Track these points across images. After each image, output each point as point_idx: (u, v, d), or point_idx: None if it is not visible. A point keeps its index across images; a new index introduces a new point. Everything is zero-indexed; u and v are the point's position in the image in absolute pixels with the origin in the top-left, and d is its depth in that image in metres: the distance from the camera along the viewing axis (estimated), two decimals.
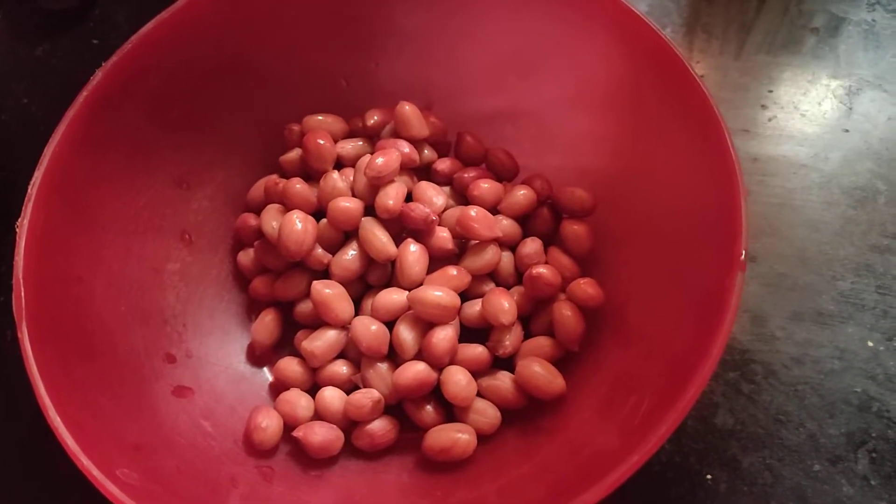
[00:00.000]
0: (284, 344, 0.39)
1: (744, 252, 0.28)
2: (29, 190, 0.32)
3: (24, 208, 0.31)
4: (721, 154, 0.30)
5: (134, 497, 0.26)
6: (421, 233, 0.37)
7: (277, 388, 0.37)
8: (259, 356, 0.39)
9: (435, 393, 0.35)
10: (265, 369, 0.39)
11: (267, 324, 0.38)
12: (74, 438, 0.27)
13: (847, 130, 0.44)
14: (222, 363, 0.38)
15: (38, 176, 0.32)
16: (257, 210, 0.39)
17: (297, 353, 0.37)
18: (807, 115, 0.45)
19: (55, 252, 0.32)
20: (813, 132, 0.44)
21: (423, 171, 0.40)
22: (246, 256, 0.40)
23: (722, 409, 0.37)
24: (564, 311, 0.35)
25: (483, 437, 0.34)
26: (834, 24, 0.48)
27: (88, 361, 0.32)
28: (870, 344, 0.38)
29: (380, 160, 0.37)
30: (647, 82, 0.36)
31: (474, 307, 0.36)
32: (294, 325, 0.38)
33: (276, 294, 0.38)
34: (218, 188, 0.40)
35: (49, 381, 0.28)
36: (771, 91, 0.46)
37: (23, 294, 0.30)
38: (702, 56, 0.47)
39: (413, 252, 0.36)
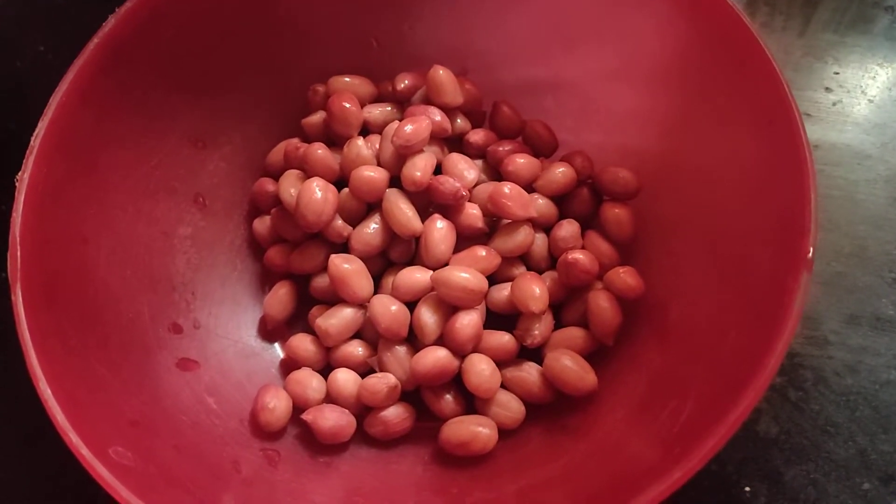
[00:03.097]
0: (299, 319, 0.36)
1: (811, 249, 0.25)
2: (31, 141, 0.30)
3: (24, 161, 0.29)
4: (791, 140, 0.27)
5: (125, 480, 0.24)
6: (449, 208, 0.35)
7: (288, 365, 0.35)
8: (271, 331, 0.36)
9: (456, 381, 0.33)
10: (276, 345, 0.37)
11: (281, 297, 0.36)
12: (65, 412, 0.25)
13: None
14: (231, 336, 0.35)
15: (41, 127, 0.30)
16: (276, 175, 0.37)
17: (311, 329, 0.35)
18: (875, 100, 0.41)
19: (58, 210, 0.30)
20: (881, 120, 0.41)
21: (454, 142, 0.38)
22: (262, 224, 0.37)
23: (766, 416, 0.34)
24: (600, 302, 0.33)
25: (505, 433, 0.32)
26: None
27: (88, 328, 0.30)
28: None
29: (408, 128, 0.34)
30: (705, 54, 0.33)
31: (502, 292, 0.34)
32: (310, 300, 0.36)
33: (291, 266, 0.36)
34: (236, 150, 0.38)
35: (42, 349, 0.26)
36: (837, 73, 0.42)
37: (19, 254, 0.28)
38: (763, 31, 0.44)
39: (440, 229, 0.34)
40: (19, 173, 0.29)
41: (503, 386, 0.33)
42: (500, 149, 0.36)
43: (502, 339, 0.33)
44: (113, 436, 0.27)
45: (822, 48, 0.43)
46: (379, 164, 0.35)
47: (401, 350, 0.33)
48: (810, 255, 0.25)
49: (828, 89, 0.42)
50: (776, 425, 0.34)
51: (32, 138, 0.30)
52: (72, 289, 0.30)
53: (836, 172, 0.39)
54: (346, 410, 0.32)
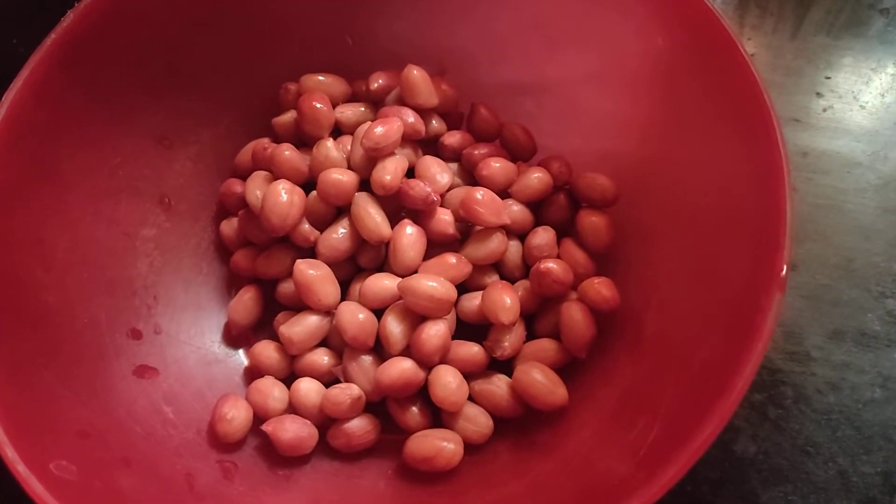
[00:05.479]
0: (266, 325, 0.35)
1: (785, 268, 0.24)
2: None
3: None
4: (768, 151, 0.26)
5: (62, 496, 0.23)
6: (420, 214, 0.33)
7: (252, 373, 0.34)
8: (235, 337, 0.35)
9: (422, 393, 0.32)
10: (241, 352, 0.35)
11: (245, 302, 0.35)
12: (3, 425, 0.24)
13: None
14: (194, 342, 0.34)
15: None
16: (245, 176, 0.36)
17: (277, 336, 0.34)
18: (867, 107, 0.40)
19: (12, 211, 0.29)
20: (873, 127, 0.40)
21: (429, 145, 0.36)
22: (229, 226, 0.36)
23: (743, 434, 0.33)
24: (574, 314, 0.31)
25: (472, 447, 0.31)
26: None
27: (40, 335, 0.29)
28: None
29: (378, 129, 0.33)
30: (687, 60, 0.31)
31: (473, 301, 0.33)
32: (276, 306, 0.35)
33: (257, 270, 0.35)
34: (204, 149, 0.37)
35: None
36: (828, 77, 0.41)
37: None
38: (753, 33, 0.42)
39: (409, 235, 0.33)
40: None
41: (471, 399, 0.32)
42: (476, 152, 0.35)
43: (471, 351, 0.32)
44: (57, 449, 0.26)
45: (814, 51, 0.42)
46: (349, 167, 0.34)
47: (366, 360, 0.32)
48: (784, 273, 0.24)
49: (819, 94, 0.40)
50: (754, 444, 0.33)
51: None
52: (24, 292, 0.29)
53: (825, 181, 0.38)
54: (308, 422, 0.31)
